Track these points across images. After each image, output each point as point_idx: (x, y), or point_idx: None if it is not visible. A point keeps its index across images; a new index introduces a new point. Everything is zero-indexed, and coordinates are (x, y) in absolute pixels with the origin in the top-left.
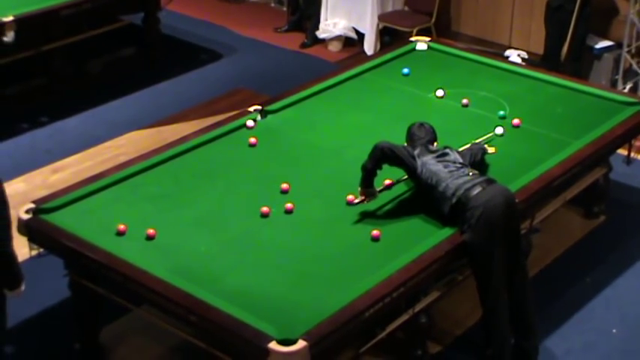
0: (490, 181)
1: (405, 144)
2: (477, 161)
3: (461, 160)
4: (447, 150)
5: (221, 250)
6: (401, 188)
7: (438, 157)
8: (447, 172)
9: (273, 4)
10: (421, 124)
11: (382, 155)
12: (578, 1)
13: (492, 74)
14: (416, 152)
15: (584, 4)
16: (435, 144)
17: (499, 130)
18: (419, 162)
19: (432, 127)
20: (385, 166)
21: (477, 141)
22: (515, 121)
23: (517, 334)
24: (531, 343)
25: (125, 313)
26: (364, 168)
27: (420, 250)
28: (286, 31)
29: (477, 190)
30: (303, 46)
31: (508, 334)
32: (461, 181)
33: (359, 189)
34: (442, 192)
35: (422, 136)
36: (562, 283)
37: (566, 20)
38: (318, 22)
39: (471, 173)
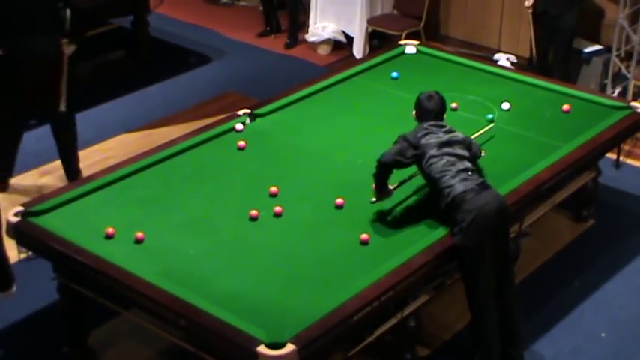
0: (486, 186)
1: (416, 125)
2: (476, 158)
3: (465, 154)
4: (454, 136)
5: (210, 253)
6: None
7: (443, 145)
8: (447, 169)
9: (262, 8)
10: (430, 95)
11: (388, 170)
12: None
13: (481, 78)
14: (419, 135)
15: (568, 8)
16: (445, 116)
17: (505, 106)
18: (424, 151)
19: (441, 98)
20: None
21: (480, 134)
22: (565, 107)
23: (503, 341)
24: (517, 350)
25: (114, 316)
26: (375, 179)
27: (408, 254)
28: (270, 33)
29: (472, 194)
30: (287, 47)
31: (496, 339)
32: (458, 179)
33: (375, 194)
34: (441, 189)
35: (430, 108)
36: (551, 287)
37: (552, 24)
38: (296, 21)
39: (470, 172)
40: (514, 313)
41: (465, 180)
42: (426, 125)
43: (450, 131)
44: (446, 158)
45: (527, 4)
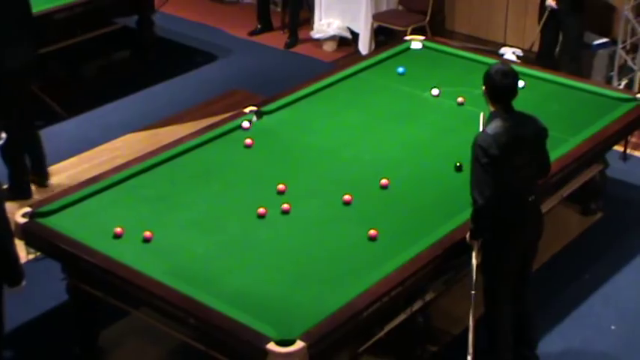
0: (534, 209)
1: (489, 102)
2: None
3: (530, 172)
4: (529, 143)
5: (218, 251)
6: (397, 187)
7: (520, 166)
8: (512, 189)
9: (257, 5)
10: (505, 72)
11: (488, 210)
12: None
13: None
14: (500, 143)
15: (578, 3)
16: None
17: (520, 84)
18: (498, 164)
19: (515, 73)
20: (380, 166)
21: None
22: None
23: (520, 343)
24: (533, 352)
25: (123, 315)
26: (478, 229)
27: (417, 249)
28: (261, 31)
29: (516, 221)
30: (287, 46)
31: (510, 340)
32: (512, 203)
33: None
34: (494, 205)
35: (507, 85)
36: (560, 280)
37: (560, 20)
38: (297, 20)
39: (530, 198)
40: (531, 314)
41: (516, 208)
42: (502, 125)
43: (529, 127)
44: (518, 176)
45: (551, 3)
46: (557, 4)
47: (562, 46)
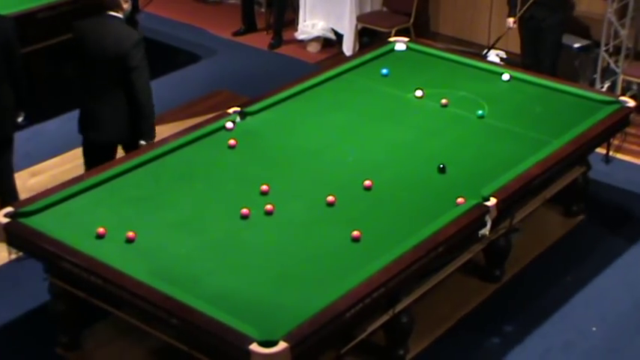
0: None
1: None
2: None
3: None
4: None
5: (201, 252)
6: (381, 188)
7: None
8: None
9: (241, 5)
10: None
11: None
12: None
13: (471, 74)
14: None
15: (553, 11)
16: None
17: (505, 77)
18: None
19: None
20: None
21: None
22: (460, 200)
23: None
24: None
25: (106, 316)
26: None
27: (400, 251)
28: (245, 32)
29: None
30: (271, 47)
31: None
32: None
33: None
34: None
35: None
36: (542, 282)
37: (539, 28)
38: (281, 21)
39: None
40: None
41: None
42: None
43: None
44: None
45: (511, 25)
46: (515, 22)
47: (543, 55)
